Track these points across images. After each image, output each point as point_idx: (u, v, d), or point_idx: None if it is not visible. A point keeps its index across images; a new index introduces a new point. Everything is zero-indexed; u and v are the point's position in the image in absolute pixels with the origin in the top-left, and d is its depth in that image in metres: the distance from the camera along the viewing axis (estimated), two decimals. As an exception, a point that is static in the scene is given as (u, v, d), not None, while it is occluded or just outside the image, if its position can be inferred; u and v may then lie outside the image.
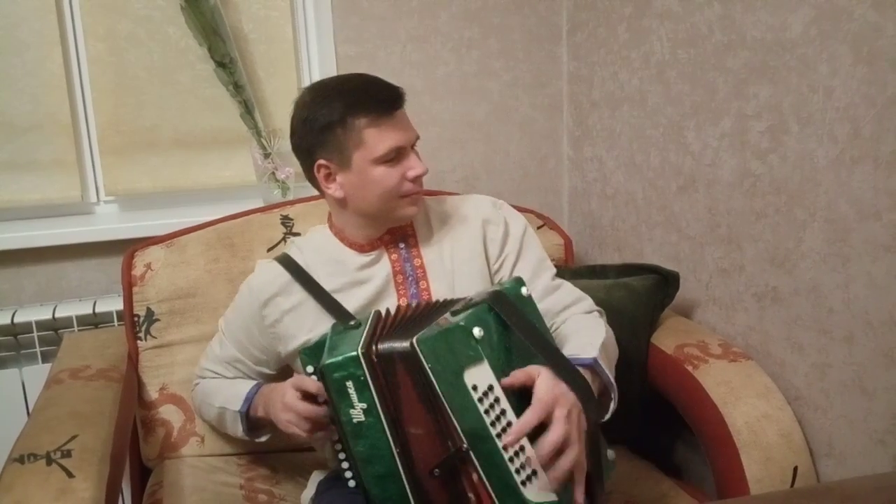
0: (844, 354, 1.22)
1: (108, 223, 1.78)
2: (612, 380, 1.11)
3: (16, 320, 1.65)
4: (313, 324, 1.23)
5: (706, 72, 1.47)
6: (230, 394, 1.30)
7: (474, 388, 0.98)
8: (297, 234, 1.52)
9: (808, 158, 1.25)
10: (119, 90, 1.79)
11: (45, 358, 1.66)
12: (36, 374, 1.61)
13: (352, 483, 1.13)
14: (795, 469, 1.21)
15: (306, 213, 1.56)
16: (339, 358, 1.03)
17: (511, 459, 0.99)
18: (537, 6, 1.97)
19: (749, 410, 1.25)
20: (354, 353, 1.02)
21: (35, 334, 1.66)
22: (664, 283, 1.52)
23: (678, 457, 1.63)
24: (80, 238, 1.74)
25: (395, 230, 1.26)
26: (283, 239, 1.52)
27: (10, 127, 1.74)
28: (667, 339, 1.47)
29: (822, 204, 1.23)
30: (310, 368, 1.12)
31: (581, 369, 1.06)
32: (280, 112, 1.89)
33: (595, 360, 1.09)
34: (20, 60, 1.72)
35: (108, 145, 1.81)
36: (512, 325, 1.03)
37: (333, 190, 1.20)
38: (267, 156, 1.83)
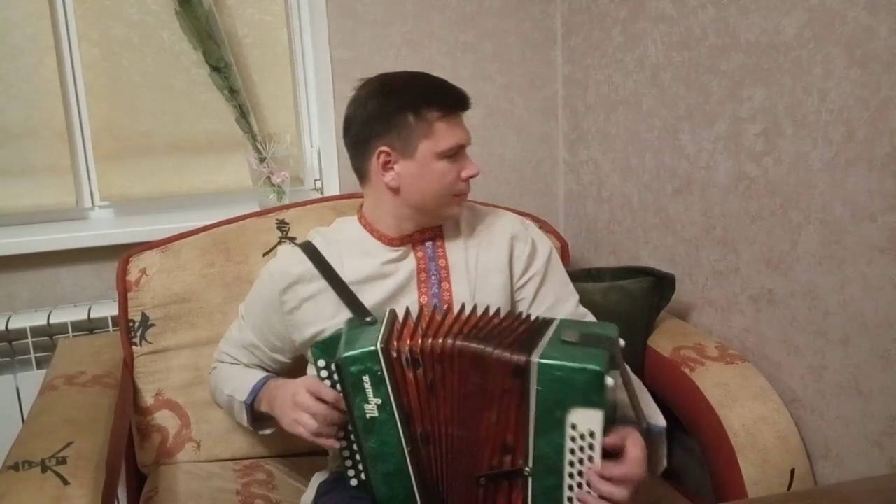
0: (840, 356, 1.22)
1: (103, 228, 1.77)
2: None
3: (10, 326, 1.64)
4: (332, 314, 1.22)
5: (700, 74, 1.47)
6: (239, 383, 1.30)
7: (573, 426, 0.98)
8: (293, 239, 1.51)
9: (803, 161, 1.25)
10: (113, 95, 1.79)
11: (40, 364, 1.65)
12: (30, 381, 1.61)
13: (353, 482, 1.13)
14: (792, 471, 1.21)
15: (302, 217, 1.55)
16: (357, 352, 1.04)
17: (570, 499, 1.00)
18: (532, 10, 1.97)
19: (746, 413, 1.25)
20: (373, 348, 1.03)
21: (30, 340, 1.65)
22: (660, 286, 1.52)
23: (675, 460, 1.63)
24: (75, 243, 1.73)
25: (426, 229, 1.26)
26: (279, 243, 1.52)
27: (4, 132, 1.73)
28: (663, 341, 1.47)
29: (817, 206, 1.24)
30: (321, 362, 1.10)
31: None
32: (275, 116, 1.89)
33: (664, 429, 1.11)
34: (14, 66, 1.71)
35: (103, 150, 1.80)
36: (624, 384, 1.02)
37: (389, 178, 1.20)
38: (262, 160, 1.83)
